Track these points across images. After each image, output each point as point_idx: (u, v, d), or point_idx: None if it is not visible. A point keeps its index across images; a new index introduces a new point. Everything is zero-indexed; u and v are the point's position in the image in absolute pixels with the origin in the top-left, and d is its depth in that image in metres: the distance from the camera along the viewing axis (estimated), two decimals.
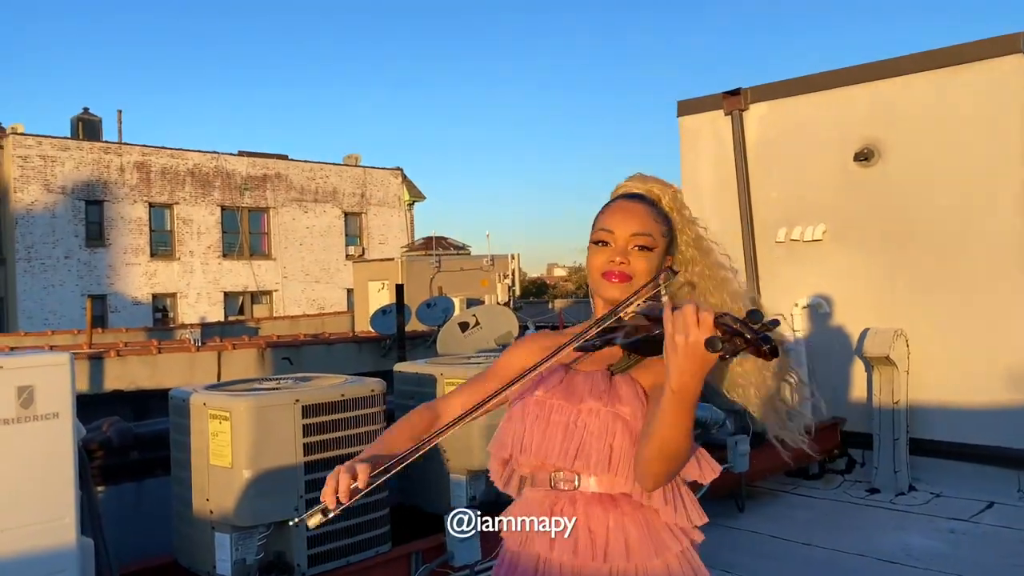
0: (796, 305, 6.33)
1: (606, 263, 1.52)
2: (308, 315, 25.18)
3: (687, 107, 7.15)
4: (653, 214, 1.56)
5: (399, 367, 4.33)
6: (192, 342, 14.67)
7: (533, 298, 31.88)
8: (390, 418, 3.95)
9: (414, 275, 19.92)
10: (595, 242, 1.55)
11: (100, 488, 3.70)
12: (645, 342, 1.36)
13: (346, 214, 29.92)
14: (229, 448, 3.09)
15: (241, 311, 27.47)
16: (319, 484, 3.34)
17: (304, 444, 3.19)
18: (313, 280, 29.01)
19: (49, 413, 2.67)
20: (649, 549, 1.43)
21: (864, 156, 6.07)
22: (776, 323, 1.15)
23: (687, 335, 1.17)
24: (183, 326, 21.07)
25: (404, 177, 31.72)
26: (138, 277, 25.13)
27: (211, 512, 3.15)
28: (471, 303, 15.26)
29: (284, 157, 29.30)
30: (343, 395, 3.33)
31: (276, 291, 28.35)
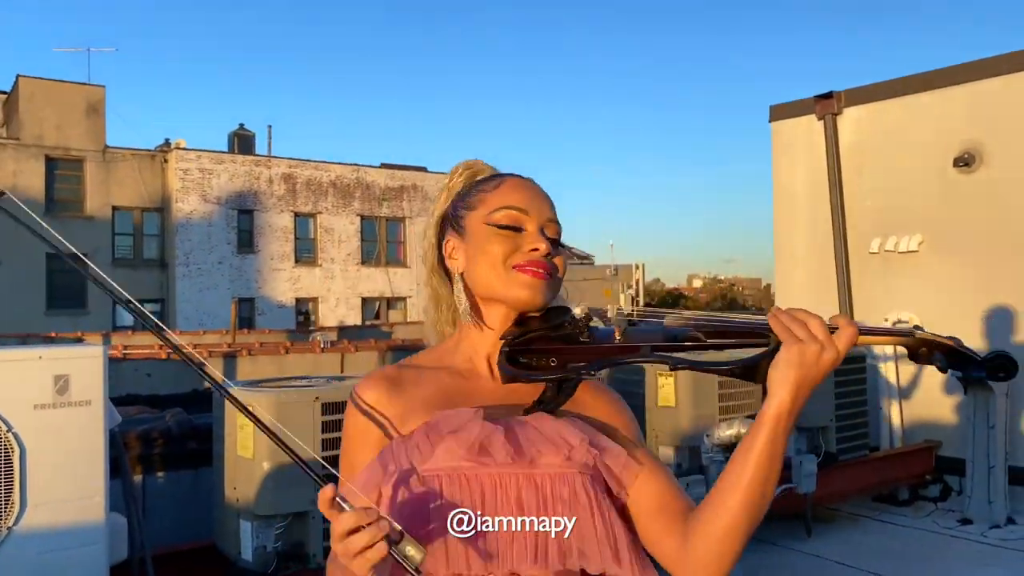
0: (886, 320, 5.96)
1: (520, 251, 1.07)
2: None
3: (779, 112, 6.90)
4: None
5: None
6: (320, 343, 15.48)
7: (667, 309, 31.31)
8: None
9: None
10: (498, 225, 1.09)
11: (160, 474, 4.02)
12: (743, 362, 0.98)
13: None
14: (252, 440, 3.29)
15: (377, 316, 28.63)
16: (336, 477, 3.50)
17: (323, 440, 3.35)
18: None
19: (83, 400, 2.95)
20: None
21: (965, 161, 5.64)
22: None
23: (826, 351, 0.93)
24: (322, 329, 22.21)
25: None
26: (283, 282, 26.72)
27: (237, 500, 3.36)
28: (593, 312, 15.27)
29: (423, 169, 30.36)
30: None
31: (410, 297, 29.35)
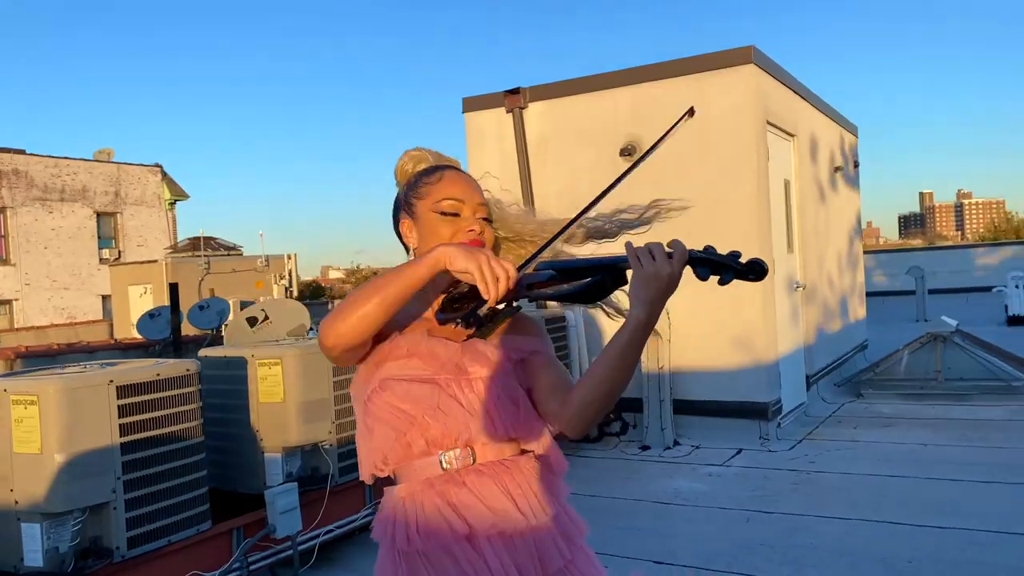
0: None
1: (460, 233, 1.46)
2: (57, 325, 22.90)
3: (472, 104, 7.55)
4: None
5: (205, 351, 4.30)
6: None
7: (310, 300, 31.22)
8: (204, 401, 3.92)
9: (181, 277, 18.78)
10: (442, 212, 1.47)
11: None
12: (588, 290, 1.35)
13: (98, 214, 27.58)
14: (38, 433, 2.98)
15: None
16: (137, 464, 3.31)
17: (120, 425, 3.14)
18: (61, 287, 26.46)
19: None
20: (550, 497, 1.47)
21: (628, 151, 6.78)
22: (738, 255, 1.22)
23: (662, 269, 1.23)
24: None
25: (164, 174, 29.79)
26: None
27: (16, 503, 3.02)
28: (245, 305, 14.75)
29: (21, 152, 26.46)
30: (158, 375, 3.31)
31: (16, 300, 25.54)
